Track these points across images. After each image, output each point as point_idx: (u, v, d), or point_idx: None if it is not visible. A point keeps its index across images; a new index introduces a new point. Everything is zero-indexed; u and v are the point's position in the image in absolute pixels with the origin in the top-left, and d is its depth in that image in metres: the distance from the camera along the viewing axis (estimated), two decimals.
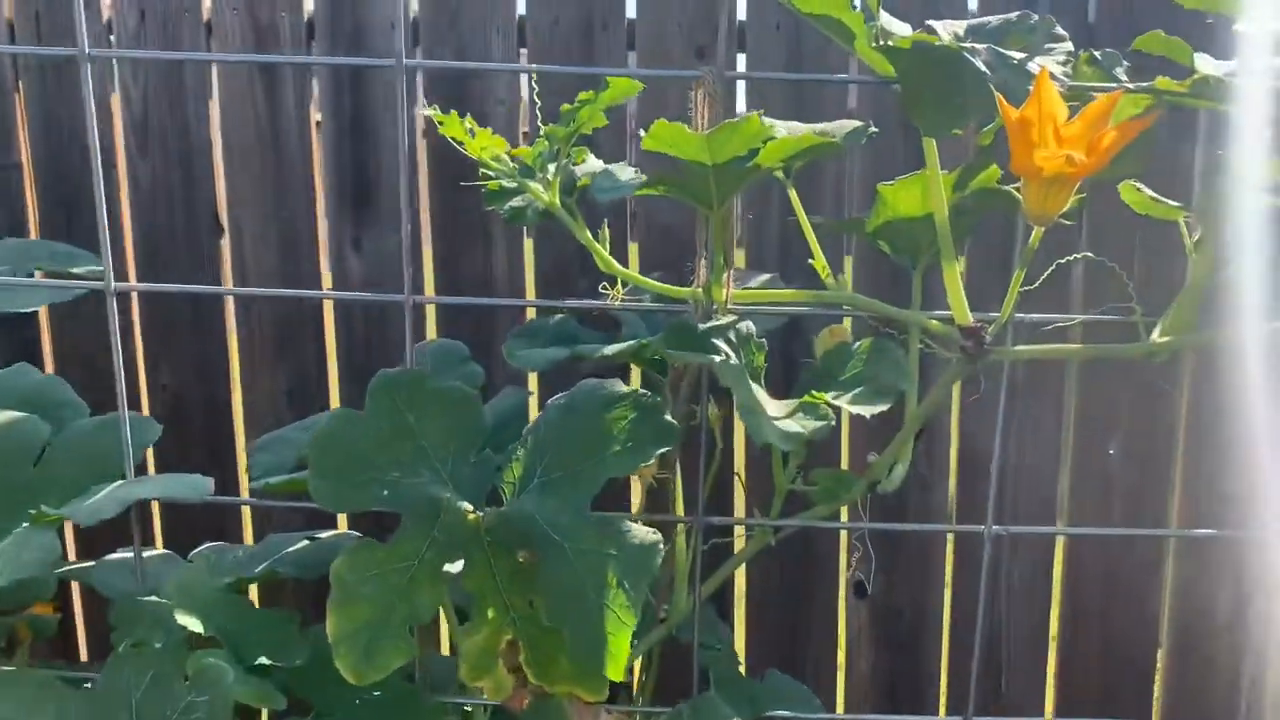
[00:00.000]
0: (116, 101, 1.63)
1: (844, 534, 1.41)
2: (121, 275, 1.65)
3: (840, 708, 1.72)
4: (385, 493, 0.82)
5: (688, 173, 0.75)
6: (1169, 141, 1.36)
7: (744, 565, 1.11)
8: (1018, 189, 0.92)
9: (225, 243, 1.66)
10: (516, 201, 0.86)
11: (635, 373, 1.36)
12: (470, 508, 0.81)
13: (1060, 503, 1.64)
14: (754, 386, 0.77)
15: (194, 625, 0.86)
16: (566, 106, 0.82)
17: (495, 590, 0.80)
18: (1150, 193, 0.87)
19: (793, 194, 0.88)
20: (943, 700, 1.73)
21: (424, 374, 0.85)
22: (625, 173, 0.81)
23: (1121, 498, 1.62)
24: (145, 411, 1.72)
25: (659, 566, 0.71)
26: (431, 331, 1.64)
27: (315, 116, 1.66)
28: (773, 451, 0.87)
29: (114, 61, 1.60)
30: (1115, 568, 1.65)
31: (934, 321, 0.84)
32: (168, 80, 1.61)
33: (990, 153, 0.90)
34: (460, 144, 0.86)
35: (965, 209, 0.90)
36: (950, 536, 1.56)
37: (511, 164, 0.85)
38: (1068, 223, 0.75)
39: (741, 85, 1.41)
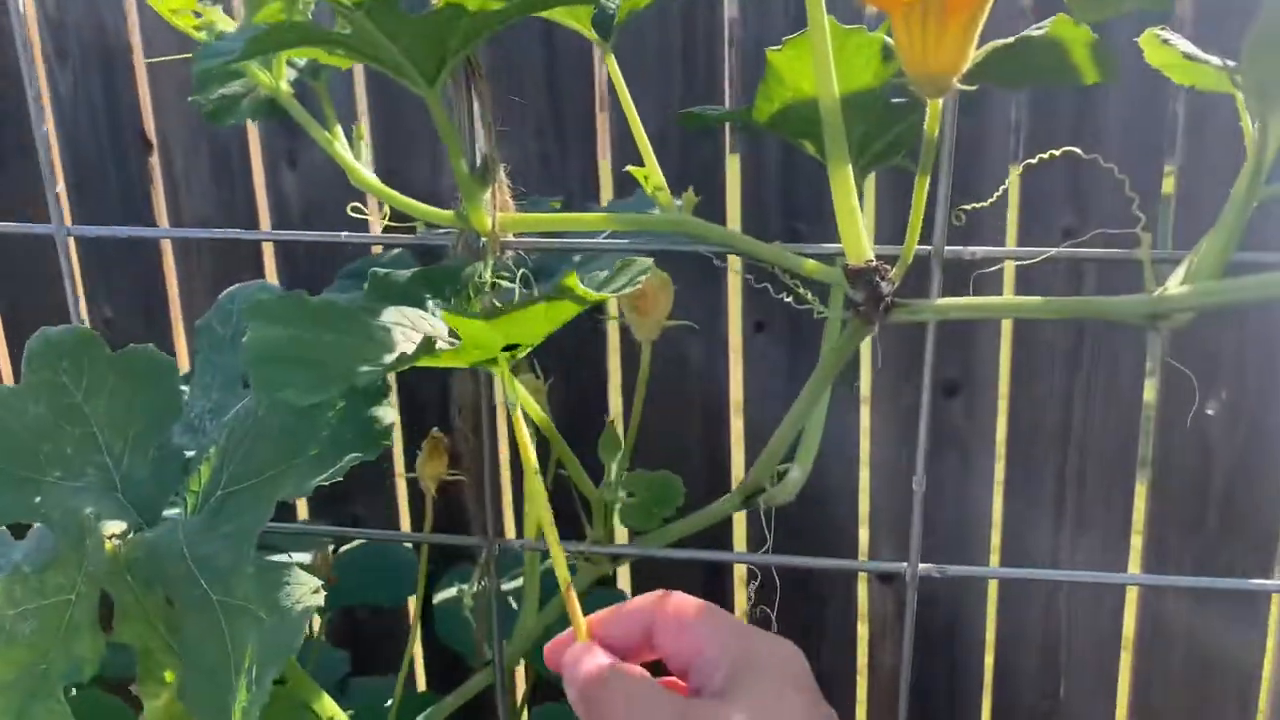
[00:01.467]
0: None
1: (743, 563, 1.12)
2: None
3: None
4: (37, 499, 0.60)
5: (381, 20, 0.47)
6: None
7: None
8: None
9: (155, 161, 1.46)
10: (230, 88, 0.61)
11: None
12: (117, 529, 0.57)
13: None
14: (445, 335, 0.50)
15: None
16: None
17: (163, 645, 0.57)
18: (1186, 46, 0.54)
19: (610, 63, 0.59)
20: None
21: (93, 334, 0.61)
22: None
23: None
24: None
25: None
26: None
27: None
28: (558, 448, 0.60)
29: None
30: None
31: (809, 260, 0.54)
32: None
33: None
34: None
35: (900, 90, 0.59)
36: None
37: (218, 30, 0.59)
38: (967, 88, 0.44)
39: None
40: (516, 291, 0.55)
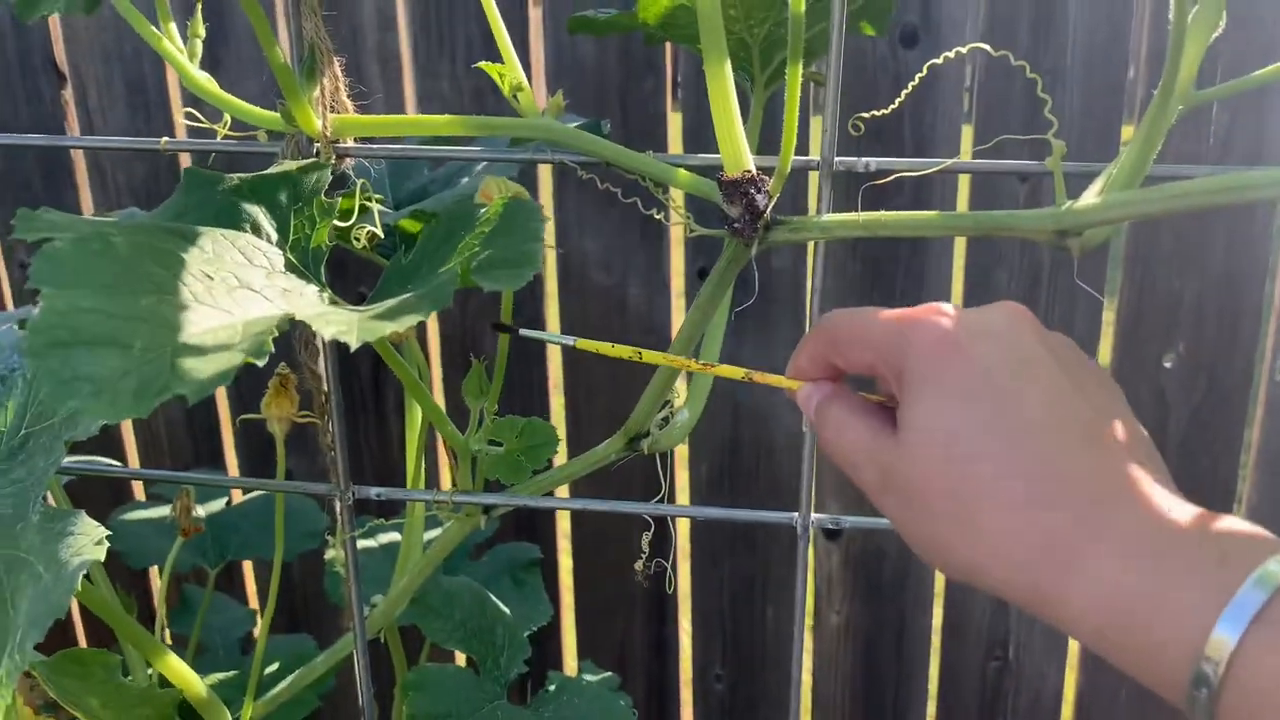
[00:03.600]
0: None
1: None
2: None
3: None
4: None
5: None
6: None
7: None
8: None
9: (69, 95, 1.38)
10: None
11: None
12: None
13: None
14: (281, 273, 0.42)
15: None
16: None
17: None
18: None
19: None
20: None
21: None
22: None
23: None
24: (6, 293, 1.50)
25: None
26: None
27: None
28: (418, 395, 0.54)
29: None
30: None
31: (682, 171, 0.48)
32: None
33: None
34: None
35: None
36: None
37: None
38: None
39: None
40: (356, 208, 0.48)
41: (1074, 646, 1.35)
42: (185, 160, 1.35)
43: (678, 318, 1.29)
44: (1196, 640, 0.31)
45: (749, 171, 0.46)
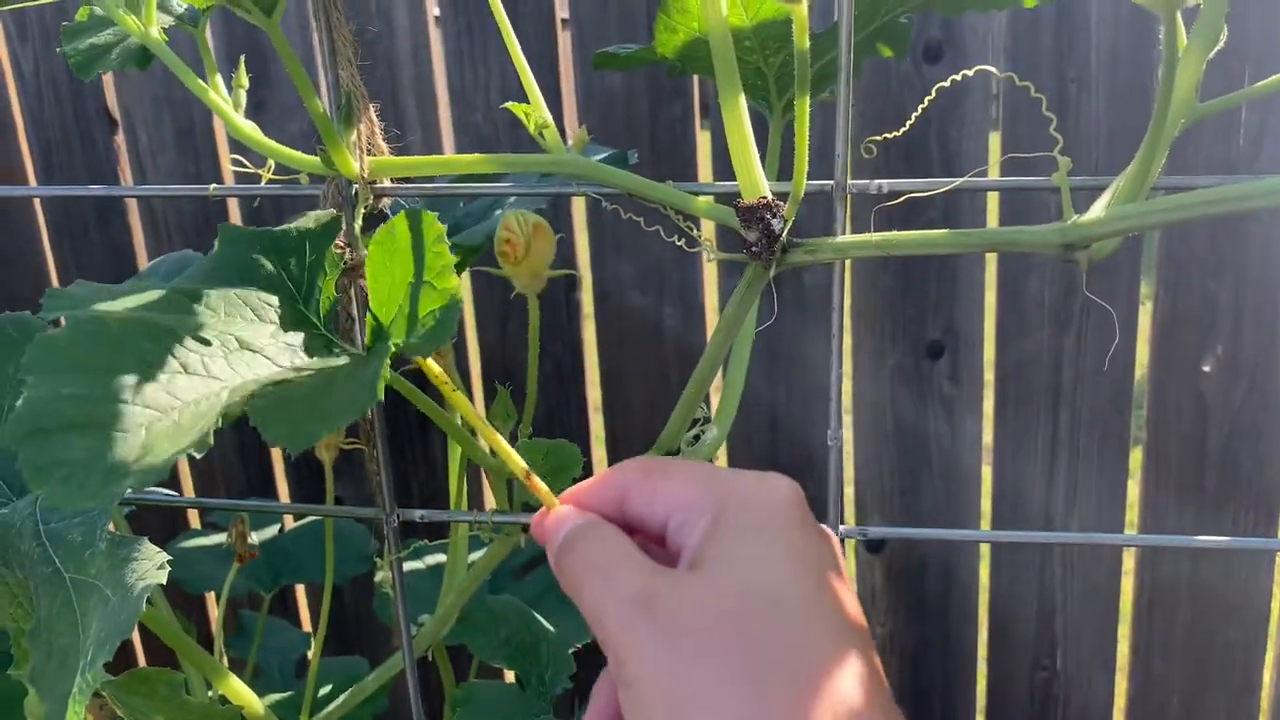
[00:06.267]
0: None
1: None
2: (20, 176, 1.45)
3: None
4: None
5: None
6: None
7: None
8: None
9: (120, 139, 1.43)
10: (100, 37, 0.57)
11: None
12: None
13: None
14: (292, 329, 0.45)
15: None
16: None
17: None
18: None
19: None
20: None
21: None
22: None
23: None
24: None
25: None
26: None
27: None
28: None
29: None
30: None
31: (700, 198, 0.50)
32: None
33: None
34: None
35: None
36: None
37: None
38: None
39: None
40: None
41: (1123, 651, 1.34)
42: (233, 203, 1.40)
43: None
44: None
45: (765, 197, 0.48)
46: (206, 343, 0.43)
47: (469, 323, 1.36)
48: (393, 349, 0.43)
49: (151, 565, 0.46)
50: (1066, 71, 1.13)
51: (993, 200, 1.23)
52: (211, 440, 0.38)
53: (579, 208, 1.31)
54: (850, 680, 0.32)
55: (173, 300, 0.46)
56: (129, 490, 0.36)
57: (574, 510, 0.39)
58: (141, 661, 1.55)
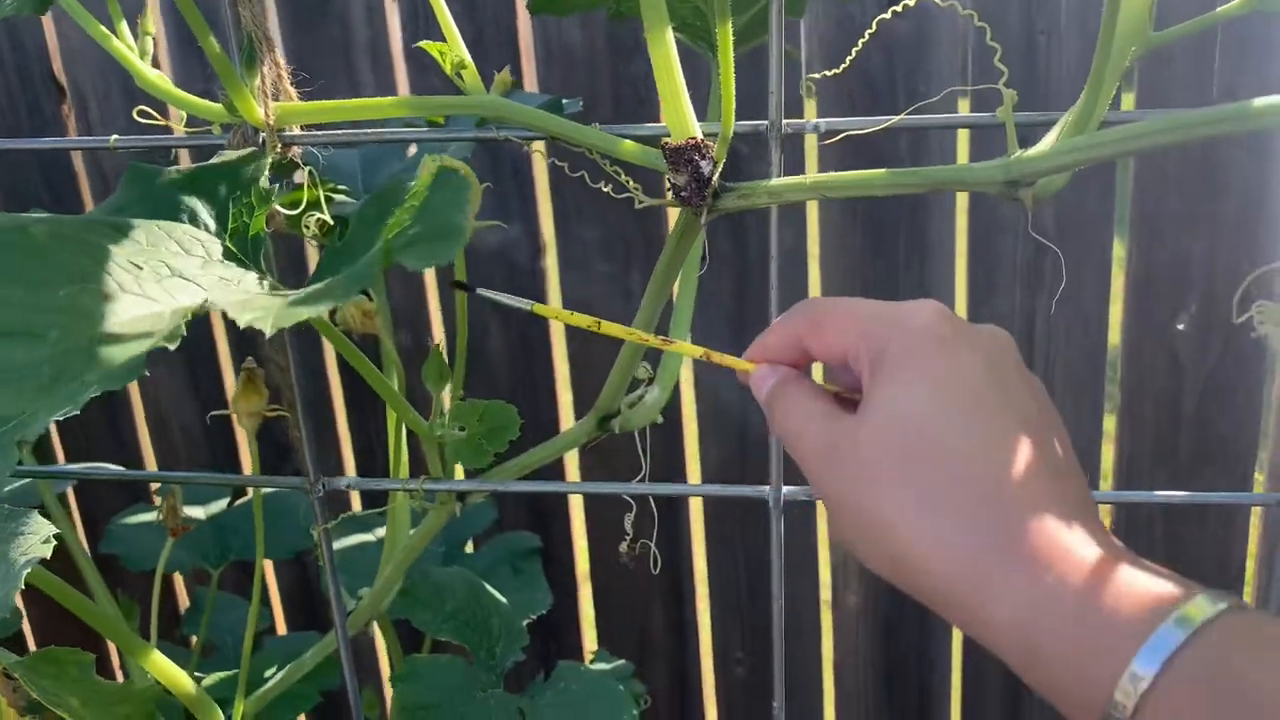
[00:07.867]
0: None
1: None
2: None
3: None
4: None
5: None
6: None
7: None
8: None
9: (69, 108, 1.39)
10: None
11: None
12: None
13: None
14: (219, 261, 0.42)
15: None
16: None
17: None
18: None
19: None
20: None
21: None
22: None
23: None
24: None
25: None
26: None
27: None
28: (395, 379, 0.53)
29: None
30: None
31: (626, 141, 0.47)
32: None
33: None
34: None
35: None
36: None
37: None
38: None
39: None
40: (305, 196, 0.48)
41: None
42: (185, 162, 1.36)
43: None
44: (1113, 672, 0.32)
45: (694, 138, 0.45)
46: (139, 267, 0.41)
47: (432, 297, 1.33)
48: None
49: (37, 540, 0.43)
50: (1036, 23, 1.10)
51: (963, 143, 1.20)
52: (143, 360, 0.35)
53: (540, 171, 1.27)
54: (1074, 467, 0.37)
55: (92, 225, 0.43)
56: (64, 411, 0.33)
57: (766, 368, 0.44)
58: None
